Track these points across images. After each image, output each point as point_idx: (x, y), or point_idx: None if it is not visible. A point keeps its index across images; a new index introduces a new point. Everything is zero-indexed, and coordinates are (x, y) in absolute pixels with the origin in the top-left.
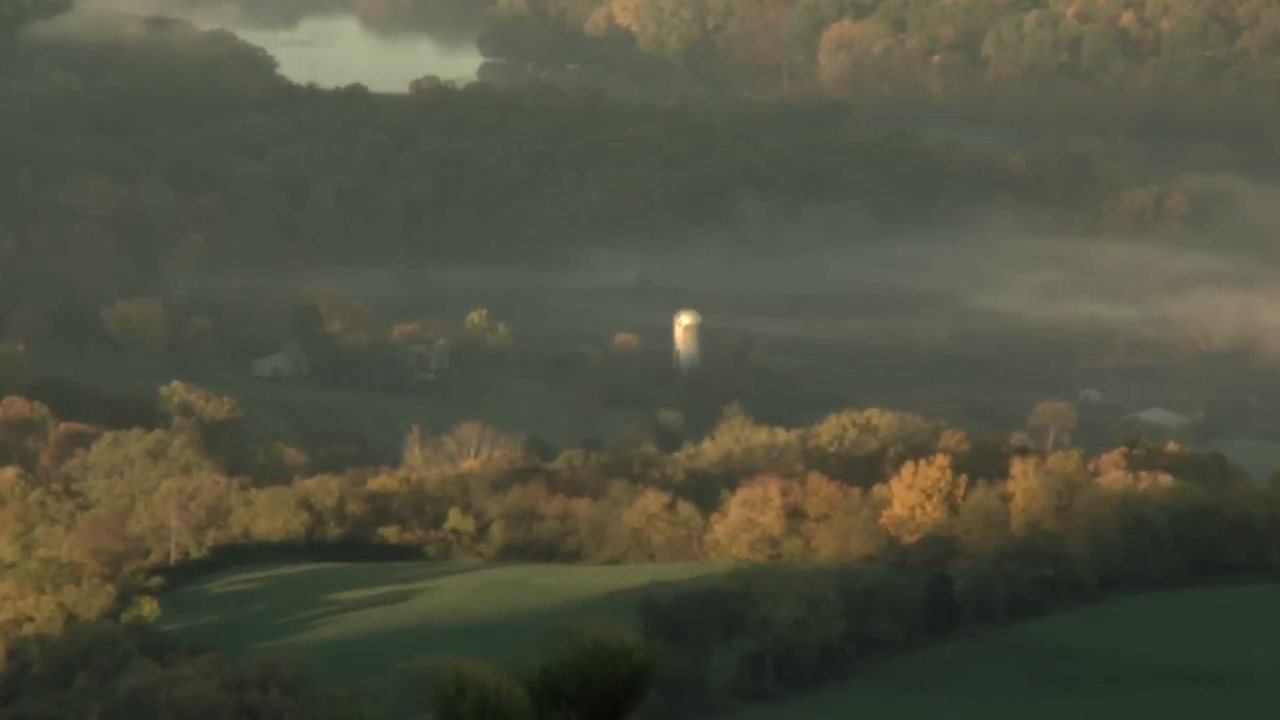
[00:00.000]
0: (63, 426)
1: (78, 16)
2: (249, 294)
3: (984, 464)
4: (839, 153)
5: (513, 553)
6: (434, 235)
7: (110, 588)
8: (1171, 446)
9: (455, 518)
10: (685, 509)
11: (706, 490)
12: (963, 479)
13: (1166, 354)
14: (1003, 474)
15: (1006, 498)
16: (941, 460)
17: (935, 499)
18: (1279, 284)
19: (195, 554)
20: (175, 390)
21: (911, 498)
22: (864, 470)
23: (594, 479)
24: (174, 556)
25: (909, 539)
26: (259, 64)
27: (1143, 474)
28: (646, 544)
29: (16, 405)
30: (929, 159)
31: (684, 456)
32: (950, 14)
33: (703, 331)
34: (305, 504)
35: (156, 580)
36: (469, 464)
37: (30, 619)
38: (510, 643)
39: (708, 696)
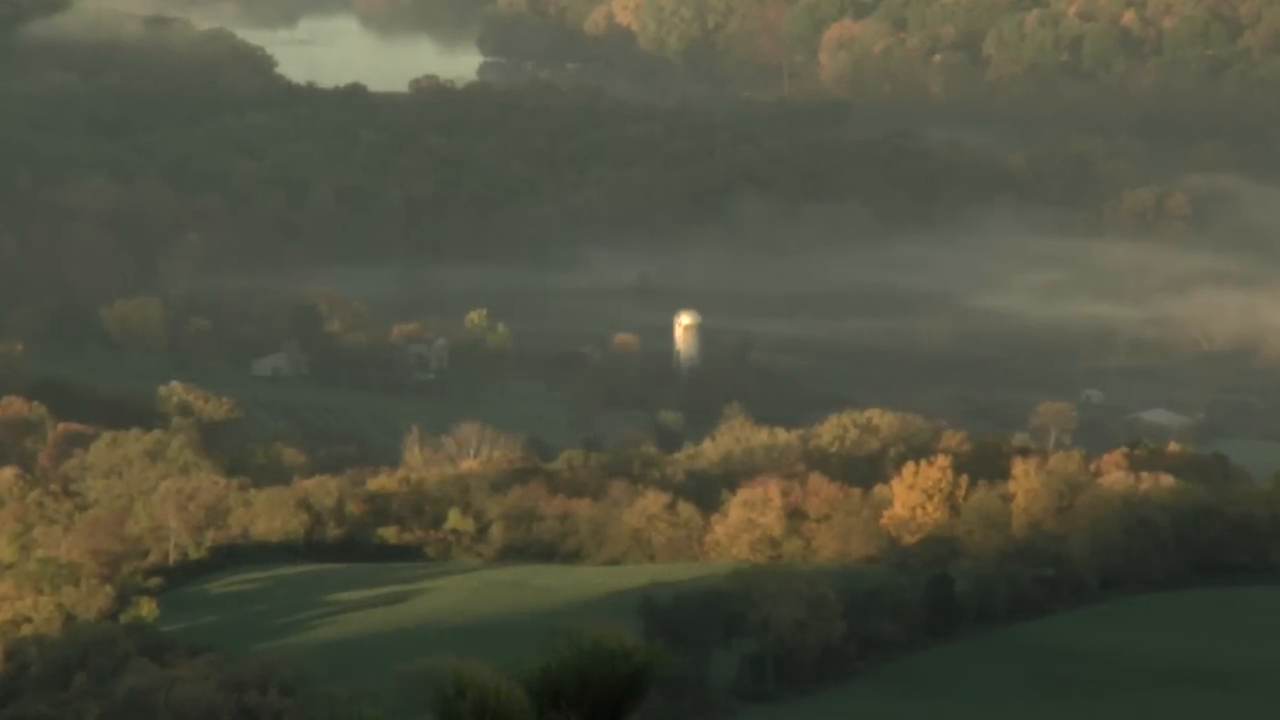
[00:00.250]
0: (61, 427)
1: (76, 15)
2: (248, 294)
3: (985, 464)
4: (839, 152)
5: (512, 553)
6: (433, 235)
7: (109, 588)
8: (1173, 447)
9: (455, 518)
10: (685, 509)
11: (707, 491)
12: (964, 479)
13: (1168, 354)
14: (1004, 474)
15: (1007, 498)
16: (942, 460)
17: (936, 499)
18: None
19: (194, 554)
20: (174, 390)
21: (912, 498)
22: (865, 470)
23: (594, 479)
24: (173, 557)
25: (910, 539)
26: (258, 63)
27: (1144, 474)
28: (647, 544)
29: (15, 405)
30: (930, 158)
31: (684, 457)
32: (951, 13)
33: (703, 331)
34: (304, 504)
35: (155, 581)
36: (469, 464)
37: (28, 619)
38: (510, 643)
39: (708, 697)
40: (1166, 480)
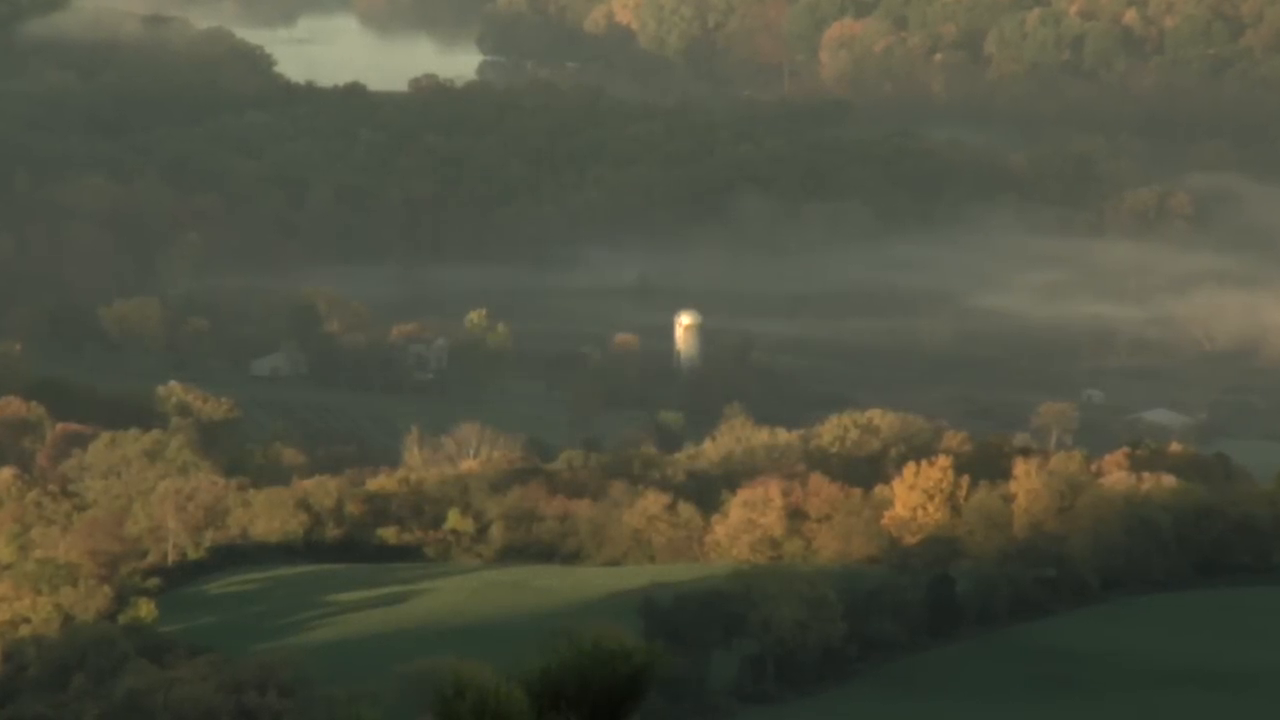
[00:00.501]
0: (59, 427)
1: (74, 14)
2: (247, 293)
3: (986, 464)
4: (840, 151)
5: (512, 554)
6: (433, 234)
7: (107, 589)
8: (1175, 447)
9: (454, 518)
10: (686, 510)
11: (707, 491)
12: (965, 480)
13: (1170, 354)
14: (1005, 474)
15: (1009, 498)
16: (943, 461)
17: (937, 500)
18: None
19: (193, 555)
20: (173, 390)
21: (913, 498)
22: (865, 471)
23: (594, 479)
24: (171, 557)
25: (911, 540)
26: (257, 62)
27: (1146, 474)
28: (647, 545)
29: (13, 405)
30: (931, 158)
31: (684, 457)
32: (952, 12)
33: (703, 331)
34: (303, 505)
35: (154, 581)
36: (468, 464)
37: (27, 620)
38: (510, 644)
39: (708, 698)
40: (1168, 480)
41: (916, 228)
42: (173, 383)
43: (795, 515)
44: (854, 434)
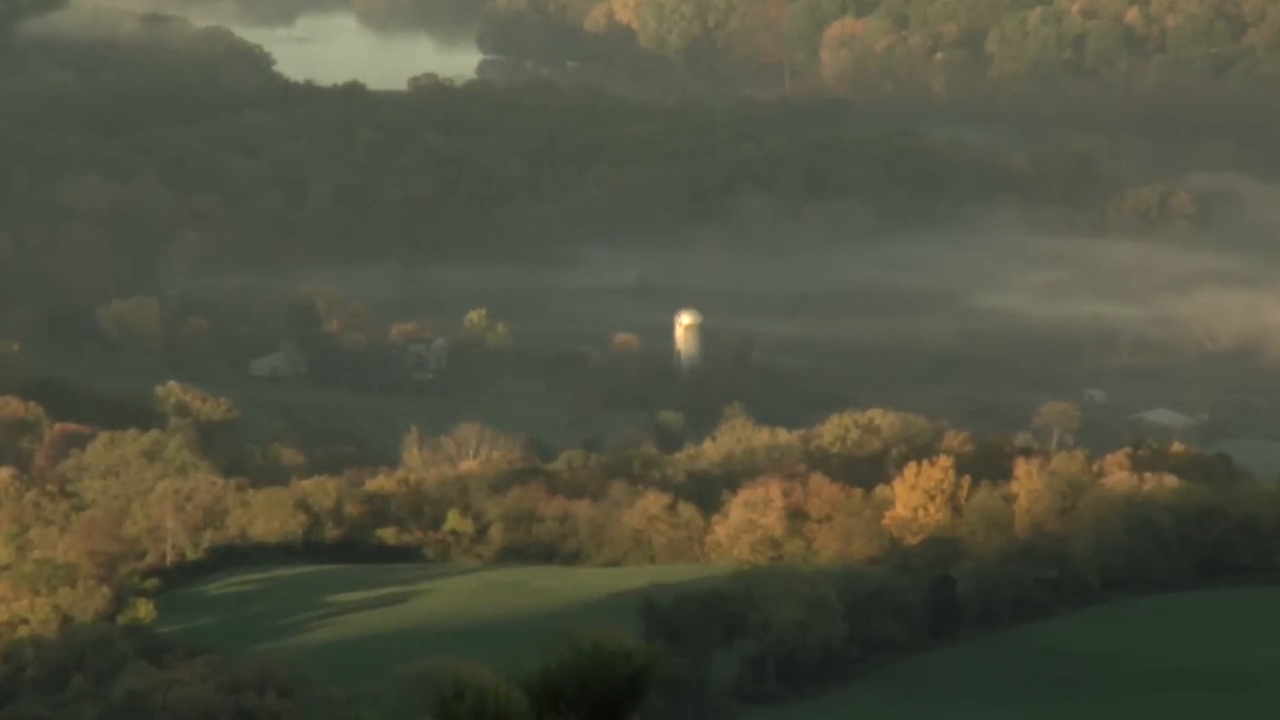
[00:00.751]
0: (58, 427)
1: (73, 13)
2: (246, 293)
3: (987, 465)
4: (841, 151)
5: (512, 554)
6: (432, 234)
7: (106, 589)
8: (1176, 447)
9: (454, 519)
10: (686, 510)
11: (707, 491)
12: (966, 480)
13: (1171, 354)
14: (1006, 475)
15: (1010, 499)
16: (944, 461)
17: (938, 500)
18: None
19: (191, 555)
20: (171, 390)
21: (914, 499)
22: (866, 471)
23: (594, 480)
24: (170, 558)
25: (912, 540)
26: (256, 61)
27: (1147, 475)
28: (647, 545)
29: (11, 405)
30: (932, 157)
31: (685, 457)
32: (953, 11)
33: (703, 331)
34: (303, 505)
35: (152, 582)
36: (468, 465)
37: (25, 621)
38: (510, 645)
39: (708, 699)
40: (1170, 481)
41: (917, 227)
42: (171, 383)
43: (796, 516)
44: (855, 434)
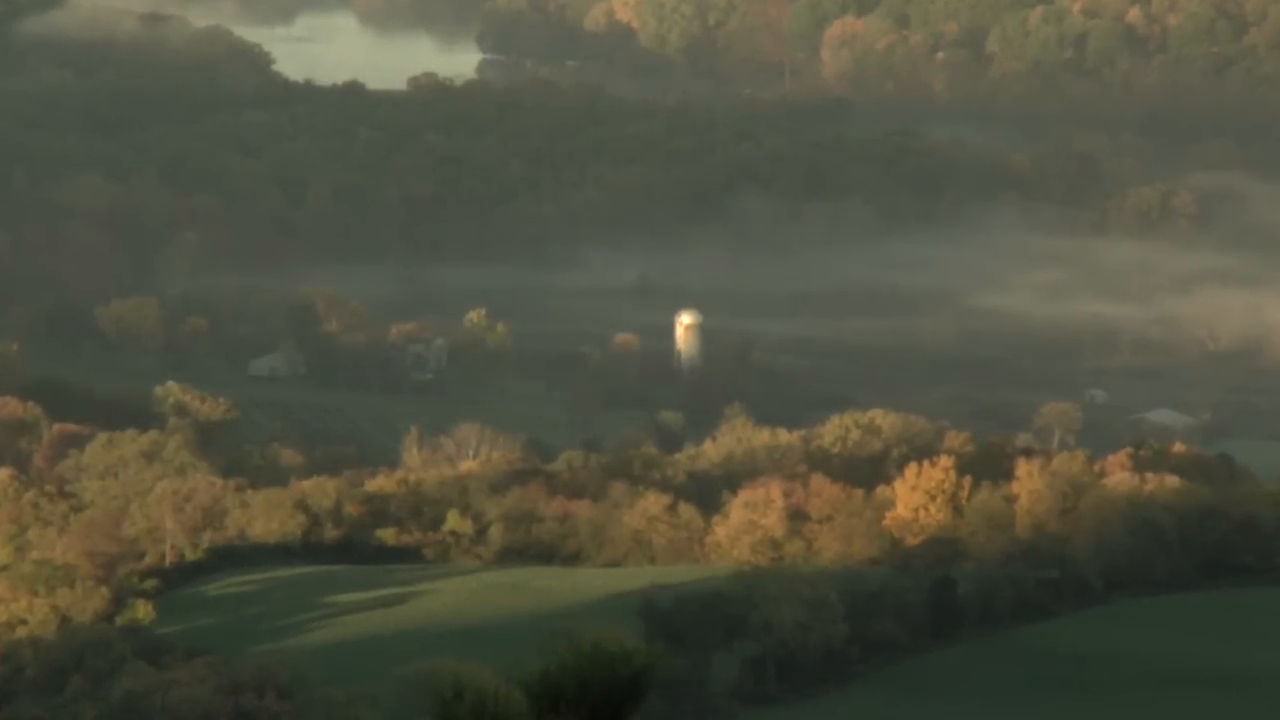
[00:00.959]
0: (56, 427)
1: (72, 12)
2: (245, 293)
3: (988, 465)
4: (841, 150)
5: (512, 555)
6: (432, 234)
7: (105, 590)
8: (1178, 447)
9: (454, 519)
10: (686, 511)
11: (708, 492)
12: (967, 480)
13: (1173, 354)
14: (1007, 475)
15: (1011, 499)
16: (945, 461)
17: (939, 500)
18: None
19: (190, 556)
20: (170, 390)
21: (915, 499)
22: (867, 471)
23: (594, 480)
24: (169, 559)
25: (912, 541)
26: (255, 61)
27: (1149, 475)
28: (647, 546)
29: (10, 406)
30: (932, 157)
31: (685, 457)
32: (954, 10)
33: (704, 331)
34: (302, 505)
35: (151, 583)
36: (467, 465)
37: (24, 622)
38: (509, 646)
39: (709, 700)
40: (1171, 481)
41: (918, 227)
42: (170, 383)
43: (796, 516)
44: (855, 434)
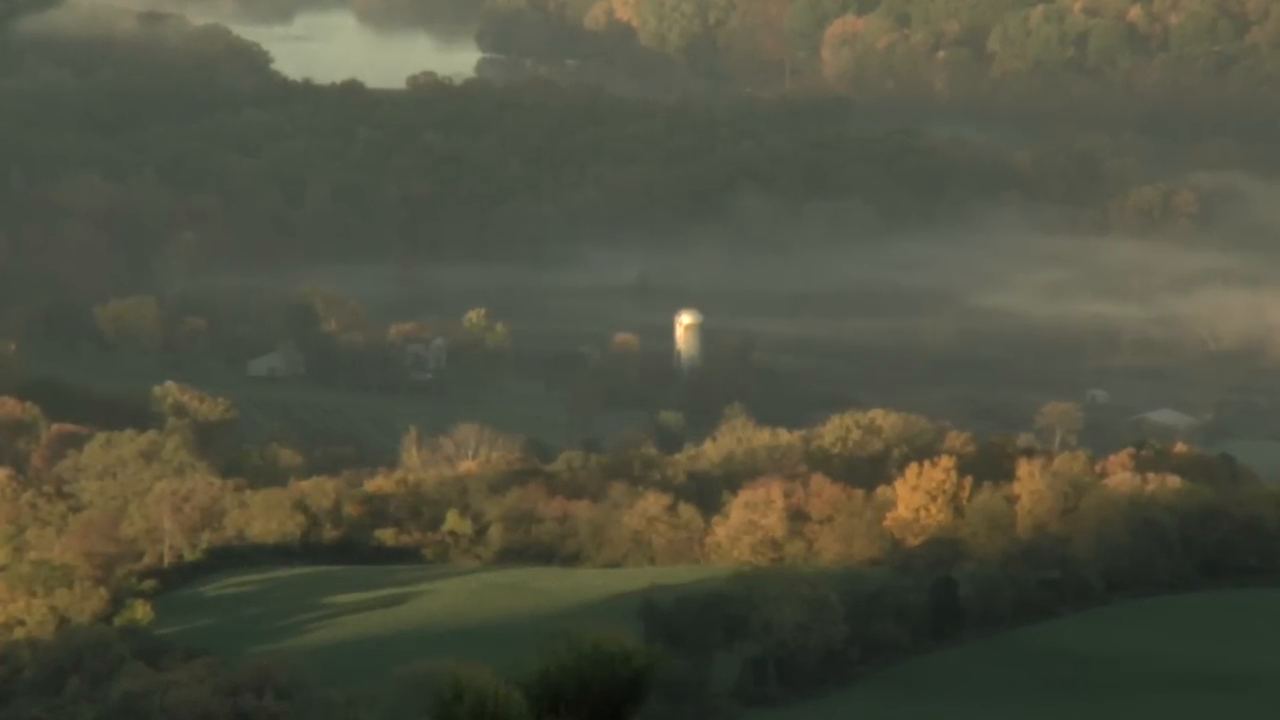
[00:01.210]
0: (54, 427)
1: (70, 11)
2: (244, 293)
3: (989, 465)
4: (842, 150)
5: (511, 555)
6: (431, 233)
7: (103, 591)
8: (1180, 447)
9: (453, 520)
10: (686, 511)
11: (708, 492)
12: (968, 480)
13: (1174, 354)
14: (1008, 475)
15: (1012, 499)
16: (946, 461)
17: (940, 501)
18: None
19: (189, 556)
20: (169, 390)
21: (916, 499)
22: (868, 472)
23: (594, 480)
24: (168, 559)
25: (913, 541)
26: (254, 60)
27: (1150, 475)
28: (647, 546)
29: (7, 405)
30: (933, 156)
31: (685, 458)
32: (955, 9)
33: (704, 331)
34: (301, 506)
35: (150, 583)
36: (467, 465)
37: (22, 622)
38: (509, 647)
39: (709, 701)
40: (1173, 481)
41: (919, 226)
42: (169, 383)
43: (797, 516)
44: (856, 434)
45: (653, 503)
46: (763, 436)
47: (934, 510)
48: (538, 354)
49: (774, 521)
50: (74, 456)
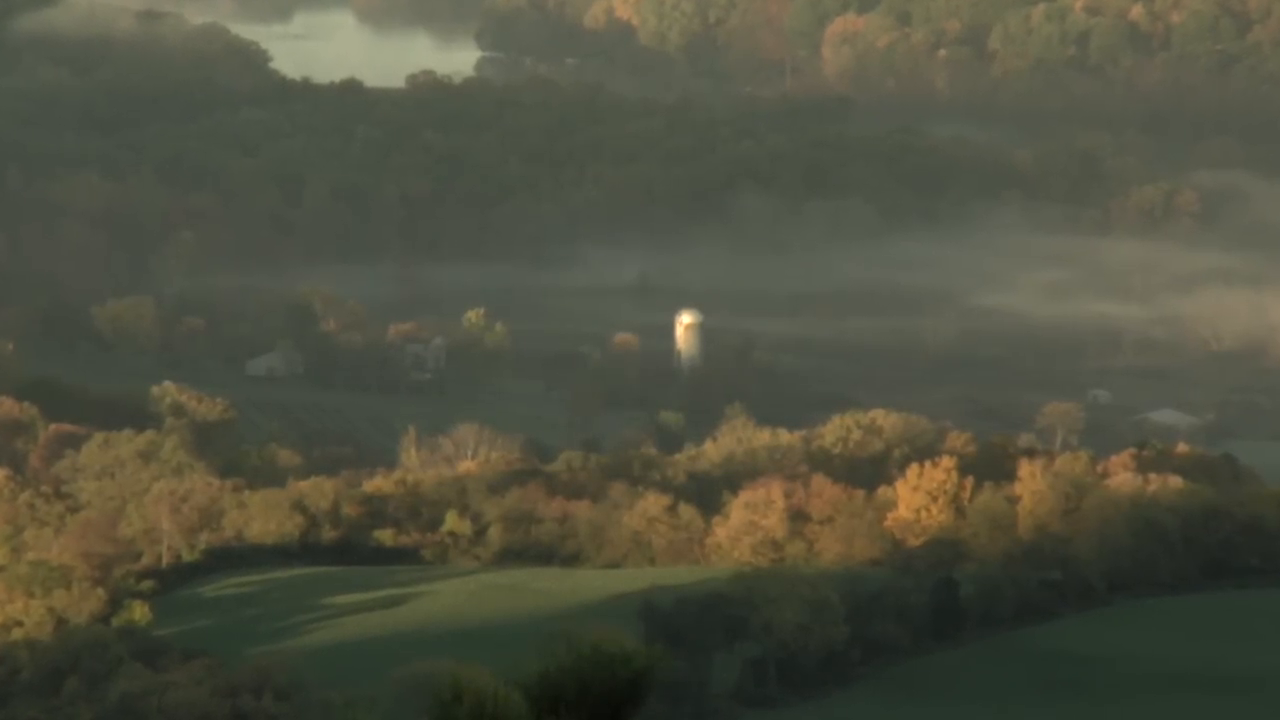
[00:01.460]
0: (52, 427)
1: (68, 10)
2: (242, 292)
3: (990, 465)
4: (842, 149)
5: (511, 556)
6: (430, 233)
7: (101, 591)
8: (1181, 448)
9: (452, 520)
10: (686, 511)
11: (708, 492)
12: (969, 481)
13: (1176, 354)
14: (1009, 476)
15: (1013, 500)
16: (947, 462)
17: (941, 501)
18: None
19: (187, 557)
20: (167, 390)
21: (917, 500)
22: (868, 472)
23: (593, 481)
24: (166, 560)
25: (914, 542)
26: (252, 58)
27: (1152, 476)
28: (647, 547)
29: (5, 406)
30: (934, 155)
31: (685, 458)
32: (956, 7)
33: (704, 331)
34: (299, 506)
35: (148, 584)
36: (466, 465)
37: (19, 623)
38: (508, 648)
39: (709, 702)
40: (1175, 481)
41: (920, 226)
42: (167, 383)
43: (797, 517)
44: (856, 435)
45: (653, 503)
46: (763, 437)
47: (935, 511)
48: (537, 354)
49: (774, 522)
50: (72, 457)
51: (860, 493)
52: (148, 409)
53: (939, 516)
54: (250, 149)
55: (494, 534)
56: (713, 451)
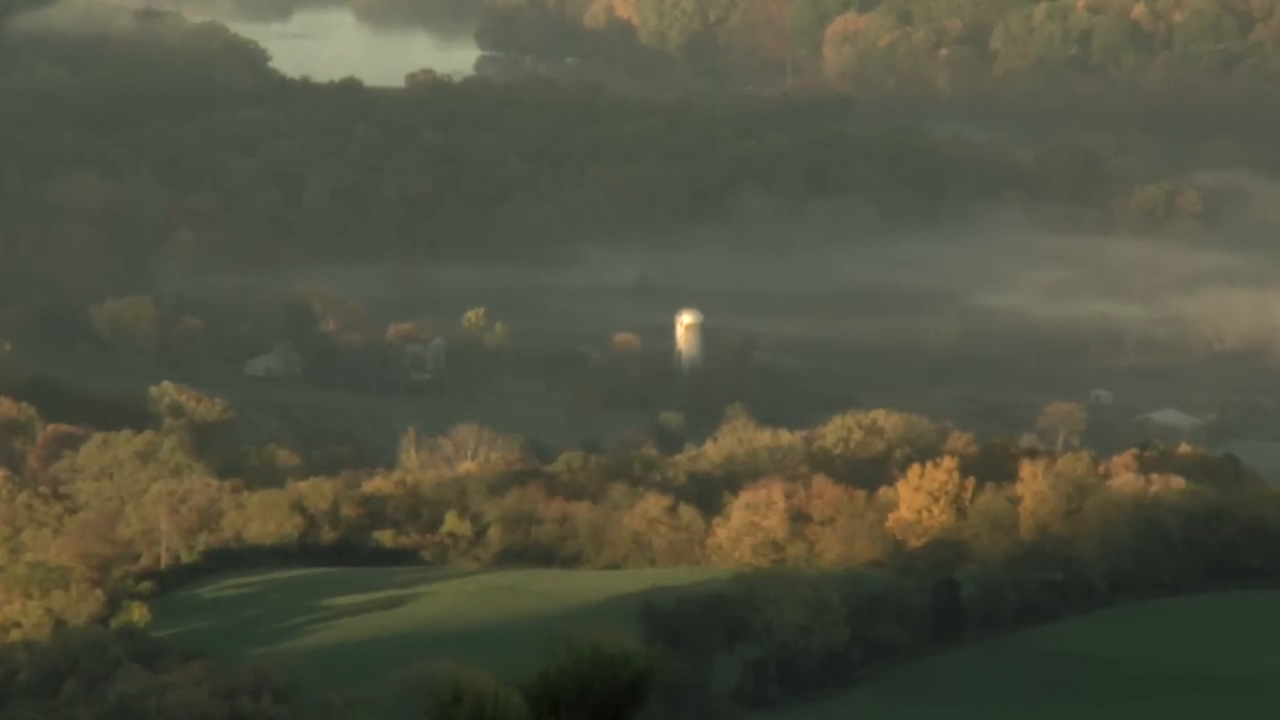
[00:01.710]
0: (51, 428)
1: (66, 9)
2: (241, 292)
3: (992, 466)
4: (843, 148)
5: (510, 557)
6: (430, 232)
7: (99, 593)
8: (1184, 448)
9: (452, 521)
10: (687, 512)
11: (708, 493)
12: (970, 481)
13: (1178, 354)
14: (1011, 476)
15: (1015, 500)
16: (949, 462)
17: (942, 502)
18: None
19: (186, 558)
20: (166, 391)
21: (918, 500)
22: (869, 472)
23: (593, 481)
24: (164, 561)
25: (915, 543)
26: (251, 57)
27: (1154, 476)
28: (647, 548)
29: (3, 406)
30: (935, 154)
31: (685, 458)
32: (958, 6)
33: (704, 331)
34: (299, 507)
35: (146, 585)
36: (466, 466)
37: (17, 625)
38: (508, 649)
39: (710, 704)
40: (1177, 482)
41: (921, 225)
42: (166, 383)
43: (798, 518)
44: (858, 435)
45: (653, 504)
46: (764, 437)
47: (936, 511)
48: (537, 354)
49: (775, 523)
50: (70, 457)
51: (861, 493)
52: (146, 409)
53: (940, 517)
54: (249, 148)
55: (494, 535)
56: (713, 452)
